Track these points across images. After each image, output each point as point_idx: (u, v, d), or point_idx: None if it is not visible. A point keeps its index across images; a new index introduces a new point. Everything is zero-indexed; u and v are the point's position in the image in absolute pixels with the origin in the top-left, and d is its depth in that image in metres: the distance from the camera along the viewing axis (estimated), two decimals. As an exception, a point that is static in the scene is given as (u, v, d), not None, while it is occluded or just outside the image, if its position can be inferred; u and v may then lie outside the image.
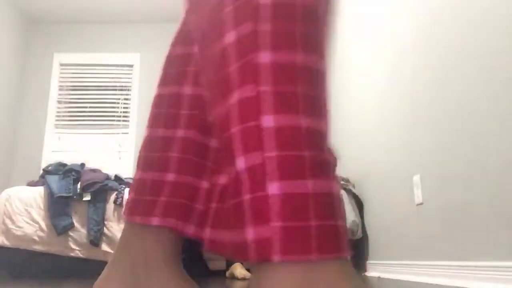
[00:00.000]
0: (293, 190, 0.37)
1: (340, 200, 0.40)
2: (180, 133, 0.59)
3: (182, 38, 0.64)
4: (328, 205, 0.38)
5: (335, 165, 0.42)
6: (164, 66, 0.65)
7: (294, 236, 0.36)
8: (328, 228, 0.37)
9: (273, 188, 0.37)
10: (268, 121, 0.39)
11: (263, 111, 0.39)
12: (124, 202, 2.95)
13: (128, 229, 0.58)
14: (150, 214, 0.56)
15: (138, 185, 0.59)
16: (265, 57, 0.40)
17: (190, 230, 0.56)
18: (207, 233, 0.49)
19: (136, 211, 0.57)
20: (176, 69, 0.62)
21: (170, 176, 0.57)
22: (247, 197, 0.38)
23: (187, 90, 0.60)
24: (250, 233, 0.38)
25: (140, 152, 0.62)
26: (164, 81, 0.63)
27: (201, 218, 0.57)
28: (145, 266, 0.55)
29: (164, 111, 0.60)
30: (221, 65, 0.43)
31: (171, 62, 0.63)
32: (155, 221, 0.55)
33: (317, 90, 0.41)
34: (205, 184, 0.58)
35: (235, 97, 0.41)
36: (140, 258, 0.56)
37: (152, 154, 0.59)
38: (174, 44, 0.64)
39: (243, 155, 0.39)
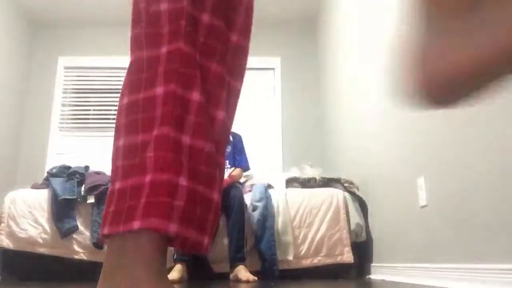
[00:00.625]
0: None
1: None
2: (155, 132, 0.56)
3: (130, 88, 0.61)
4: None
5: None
6: (117, 118, 0.62)
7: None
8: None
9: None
10: None
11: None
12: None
13: (109, 247, 0.56)
14: (131, 219, 0.53)
15: (118, 196, 0.56)
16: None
17: (173, 228, 0.53)
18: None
19: (119, 220, 0.54)
20: (134, 117, 0.60)
21: (148, 177, 0.55)
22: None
23: (159, 90, 0.59)
24: None
25: (113, 164, 0.59)
26: (125, 130, 0.60)
27: (183, 216, 0.54)
28: (128, 280, 0.53)
29: (141, 116, 0.59)
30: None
31: (123, 112, 0.61)
32: (136, 224, 0.52)
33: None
34: (183, 181, 0.55)
35: None
36: (123, 273, 0.53)
37: (130, 162, 0.57)
38: (123, 95, 0.62)
39: None
